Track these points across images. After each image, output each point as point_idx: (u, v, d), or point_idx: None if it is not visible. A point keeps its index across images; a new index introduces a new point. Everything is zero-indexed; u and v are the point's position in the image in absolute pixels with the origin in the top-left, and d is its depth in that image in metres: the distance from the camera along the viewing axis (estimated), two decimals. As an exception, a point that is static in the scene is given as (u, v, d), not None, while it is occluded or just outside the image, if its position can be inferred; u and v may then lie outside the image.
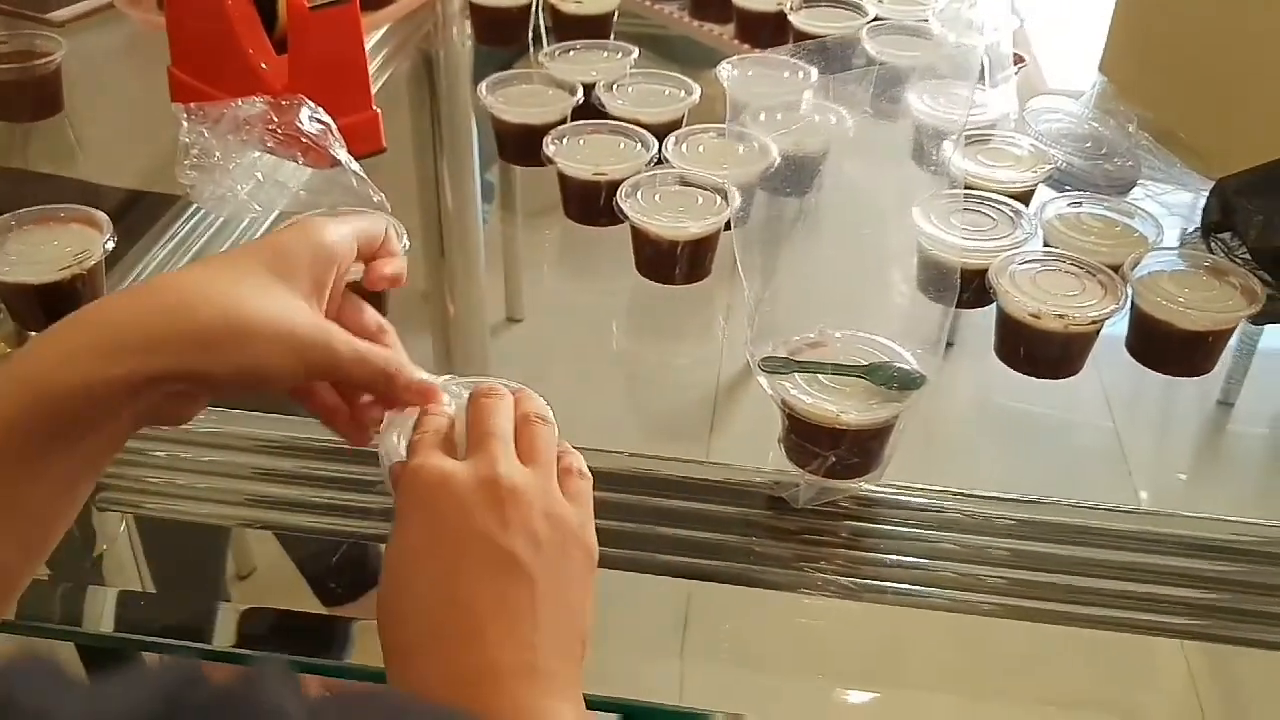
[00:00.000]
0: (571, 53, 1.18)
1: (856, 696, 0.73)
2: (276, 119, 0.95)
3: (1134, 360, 0.89)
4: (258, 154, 0.95)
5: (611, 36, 1.26)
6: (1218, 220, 0.94)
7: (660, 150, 1.01)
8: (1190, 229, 0.98)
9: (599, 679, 0.56)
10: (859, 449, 0.74)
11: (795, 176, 1.00)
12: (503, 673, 0.51)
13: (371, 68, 1.09)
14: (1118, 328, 0.88)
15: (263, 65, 1.03)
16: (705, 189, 0.96)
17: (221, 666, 0.84)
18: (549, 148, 1.01)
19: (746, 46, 1.27)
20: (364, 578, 1.12)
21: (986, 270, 0.87)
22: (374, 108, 1.06)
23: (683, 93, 1.11)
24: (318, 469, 0.81)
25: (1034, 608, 0.73)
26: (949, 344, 0.99)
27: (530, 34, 1.29)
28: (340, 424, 0.65)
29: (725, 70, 1.12)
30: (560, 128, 1.05)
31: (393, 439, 0.62)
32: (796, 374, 0.76)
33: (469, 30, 1.39)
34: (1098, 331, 0.84)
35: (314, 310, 0.59)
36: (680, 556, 0.75)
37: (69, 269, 0.84)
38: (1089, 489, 0.82)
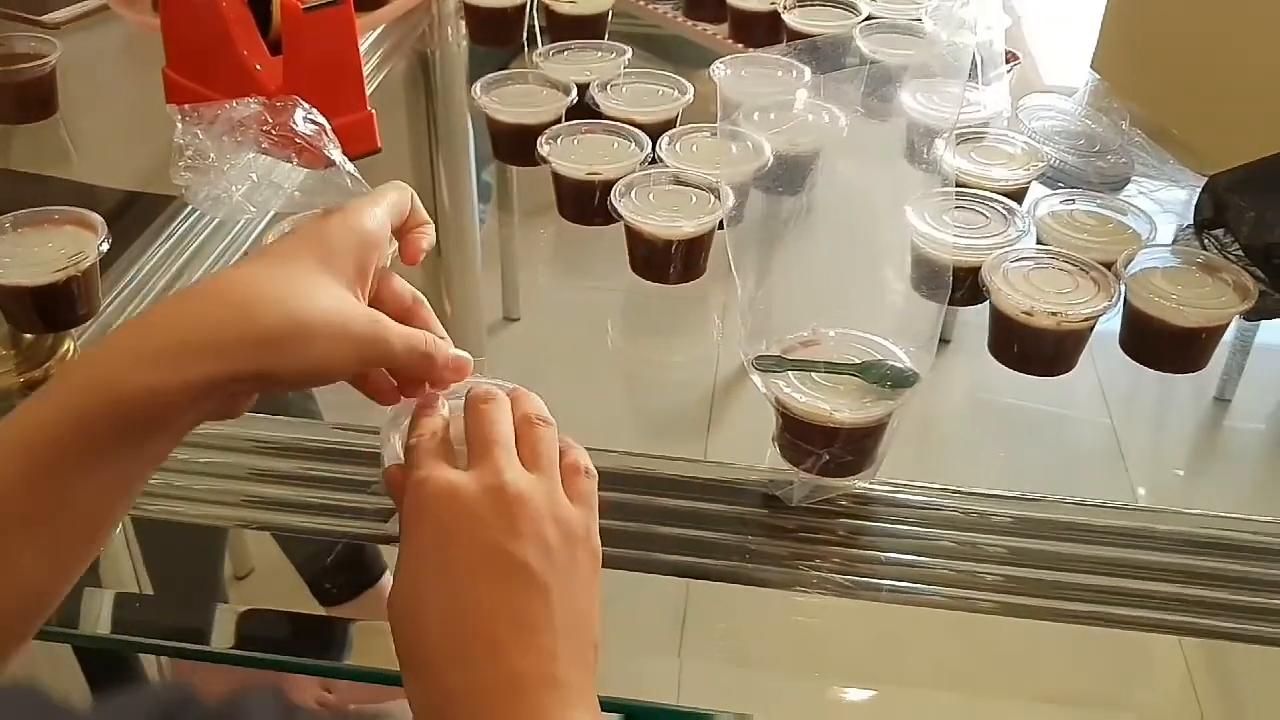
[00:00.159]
0: (565, 53, 1.18)
1: (854, 694, 0.73)
2: (271, 120, 0.95)
3: (1127, 357, 0.89)
4: (253, 155, 0.95)
5: (606, 36, 1.27)
6: (1210, 217, 0.95)
7: (654, 150, 1.01)
8: (1185, 225, 0.98)
9: (598, 679, 0.56)
10: (852, 447, 0.75)
11: (788, 175, 1.00)
12: (524, 684, 0.52)
13: (367, 68, 1.10)
14: (1113, 324, 0.88)
15: (257, 67, 1.03)
16: (699, 188, 0.96)
17: (218, 669, 0.84)
18: (543, 148, 1.01)
19: (740, 46, 1.27)
20: (361, 578, 1.12)
21: (980, 268, 0.87)
22: (369, 108, 1.06)
23: (676, 92, 1.11)
24: (314, 470, 0.81)
25: (1031, 605, 0.73)
26: (945, 341, 1.00)
27: (525, 34, 1.29)
28: (391, 402, 0.66)
29: (718, 69, 1.12)
30: (554, 128, 1.05)
31: (393, 441, 0.62)
32: (790, 373, 0.76)
33: (464, 30, 1.39)
34: (1091, 329, 0.85)
35: (361, 300, 0.60)
36: (676, 555, 0.75)
37: (64, 271, 0.84)
38: (1086, 485, 0.82)
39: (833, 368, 0.77)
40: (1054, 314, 0.83)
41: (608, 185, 0.96)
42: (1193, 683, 0.76)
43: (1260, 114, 1.06)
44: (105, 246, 0.86)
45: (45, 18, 1.36)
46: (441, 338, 0.64)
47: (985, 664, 0.75)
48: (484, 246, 1.35)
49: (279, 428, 0.83)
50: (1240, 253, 0.92)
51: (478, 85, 1.11)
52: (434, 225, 0.68)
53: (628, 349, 1.07)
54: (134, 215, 1.06)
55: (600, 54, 1.18)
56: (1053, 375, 0.87)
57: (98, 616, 0.75)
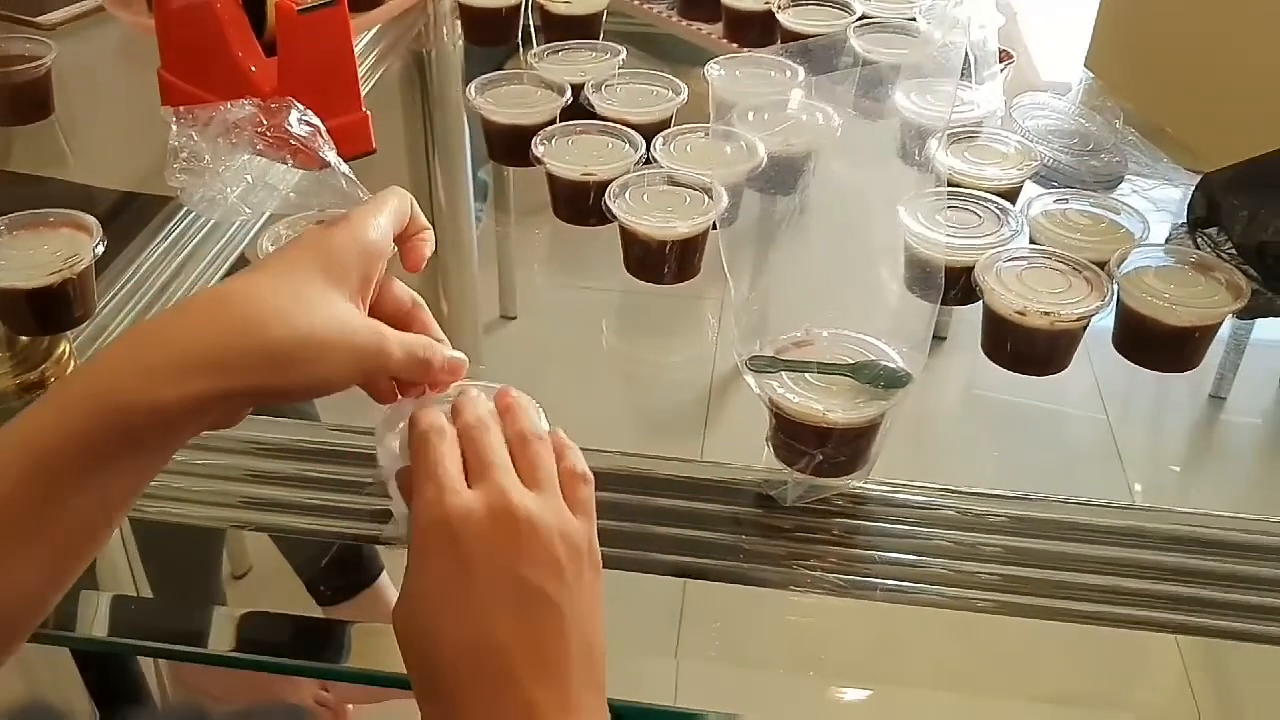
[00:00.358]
0: (560, 53, 1.18)
1: (851, 694, 0.74)
2: (266, 121, 0.95)
3: (1121, 356, 0.89)
4: (247, 157, 0.95)
5: (600, 36, 1.27)
6: (1203, 215, 0.95)
7: (648, 150, 1.01)
8: (1178, 224, 0.99)
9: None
10: (846, 447, 0.75)
11: (782, 176, 1.00)
12: (540, 712, 0.52)
13: (362, 68, 1.10)
14: (1107, 323, 0.88)
15: (252, 68, 1.03)
16: (693, 188, 0.96)
17: (224, 673, 0.84)
18: (537, 148, 1.01)
19: (734, 46, 1.27)
20: (358, 579, 1.12)
21: (973, 268, 0.87)
22: (364, 109, 1.06)
23: (671, 93, 1.11)
24: (311, 471, 0.81)
25: (1027, 604, 0.73)
26: (941, 339, 1.00)
27: (520, 34, 1.29)
28: (390, 401, 0.66)
29: (712, 70, 1.12)
30: (549, 128, 1.05)
31: (387, 441, 0.62)
32: (783, 373, 0.76)
33: (459, 30, 1.39)
34: (1084, 328, 0.85)
35: (363, 309, 0.60)
36: (673, 555, 0.75)
37: (59, 273, 0.84)
38: (1083, 484, 0.83)
39: (826, 368, 0.77)
40: (1047, 314, 0.83)
41: (602, 186, 0.96)
42: (1189, 681, 0.76)
43: (1253, 112, 1.06)
44: (100, 248, 0.86)
45: (41, 19, 1.36)
46: (440, 340, 0.65)
47: (982, 663, 0.75)
48: (481, 246, 1.35)
49: (276, 429, 0.84)
50: (1233, 251, 0.92)
51: (472, 86, 1.11)
52: (433, 230, 0.68)
53: (624, 349, 1.07)
54: (130, 217, 1.06)
55: (595, 54, 1.18)
56: (1046, 374, 0.87)
57: (94, 619, 0.75)
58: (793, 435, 0.75)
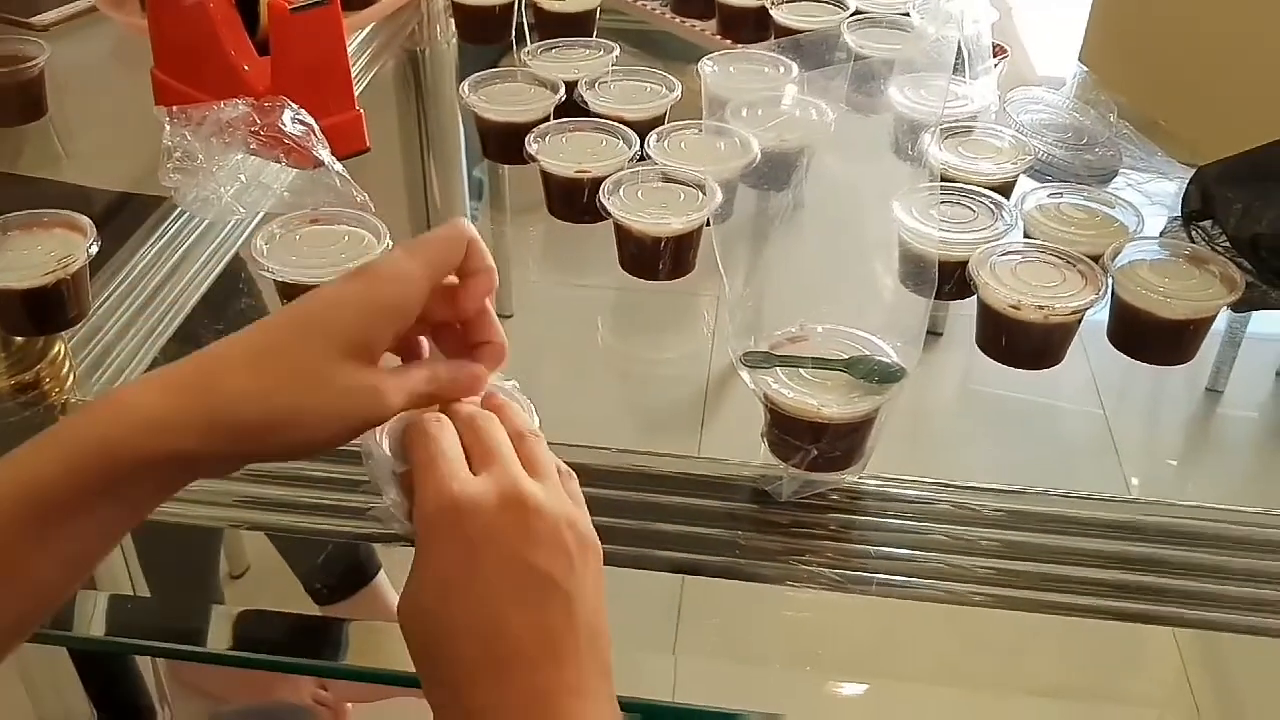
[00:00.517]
0: (554, 50, 1.18)
1: (848, 688, 0.74)
2: (259, 121, 0.95)
3: (1116, 350, 0.89)
4: (241, 156, 0.95)
5: (594, 33, 1.27)
6: (1198, 209, 0.95)
7: (642, 147, 1.01)
8: (1172, 217, 0.99)
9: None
10: (841, 442, 0.75)
11: (776, 172, 1.00)
12: (552, 697, 0.52)
13: (356, 67, 1.10)
14: (1102, 316, 0.88)
15: (245, 67, 1.03)
16: (687, 185, 0.96)
17: (222, 672, 0.84)
18: (531, 146, 1.01)
19: (728, 42, 1.27)
20: (356, 577, 1.12)
21: (967, 262, 0.87)
22: (357, 108, 1.06)
23: (664, 89, 1.11)
24: (308, 469, 0.81)
25: (1024, 598, 0.73)
26: (937, 334, 1.00)
27: (514, 32, 1.29)
28: None
29: (706, 66, 1.12)
30: (543, 126, 1.05)
31: (377, 436, 0.62)
32: (778, 368, 0.76)
33: (453, 28, 1.39)
34: (1078, 322, 0.85)
35: (371, 363, 0.57)
36: (670, 551, 0.75)
37: (53, 274, 0.84)
38: (1079, 478, 0.82)
39: (820, 363, 0.77)
40: (1041, 307, 0.83)
41: (596, 183, 0.96)
42: (1187, 675, 0.76)
43: (1247, 106, 1.06)
44: (94, 249, 0.86)
45: (34, 19, 1.36)
46: (499, 343, 0.62)
47: (978, 657, 0.75)
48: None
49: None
50: (1228, 244, 0.92)
51: (466, 84, 1.11)
52: (496, 270, 0.62)
53: (619, 346, 1.07)
54: (124, 217, 1.06)
55: (588, 51, 1.18)
56: (1040, 368, 0.87)
57: (91, 619, 0.75)
58: (788, 431, 0.75)
